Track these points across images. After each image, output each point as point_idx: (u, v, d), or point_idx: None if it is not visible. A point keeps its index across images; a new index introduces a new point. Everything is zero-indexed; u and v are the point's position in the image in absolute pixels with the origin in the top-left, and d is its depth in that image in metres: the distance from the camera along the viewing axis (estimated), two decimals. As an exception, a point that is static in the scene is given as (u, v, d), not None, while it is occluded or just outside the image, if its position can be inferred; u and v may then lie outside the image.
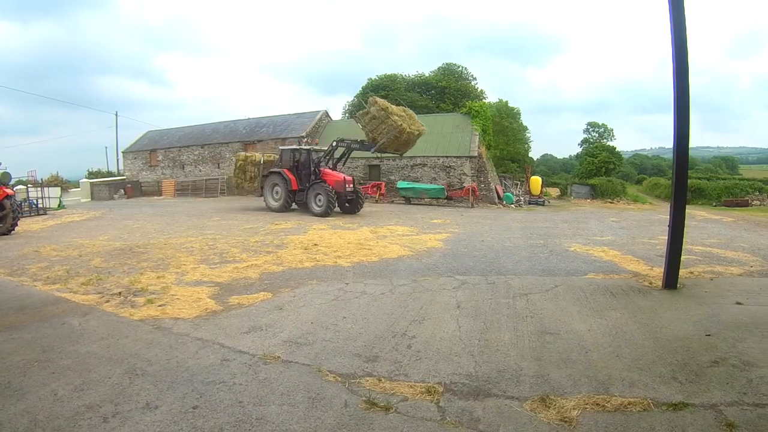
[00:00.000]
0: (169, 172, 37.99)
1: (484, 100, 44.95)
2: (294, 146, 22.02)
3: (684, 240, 8.02)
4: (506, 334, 5.64)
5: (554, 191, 41.26)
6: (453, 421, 3.70)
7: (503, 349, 5.17)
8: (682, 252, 8.05)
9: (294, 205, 21.00)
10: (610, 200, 35.06)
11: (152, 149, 39.58)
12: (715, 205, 33.21)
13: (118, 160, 47.71)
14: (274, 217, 18.85)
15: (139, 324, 5.98)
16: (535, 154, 69.23)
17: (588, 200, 35.66)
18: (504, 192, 30.07)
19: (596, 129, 74.71)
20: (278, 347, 5.14)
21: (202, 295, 7.26)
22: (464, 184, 27.36)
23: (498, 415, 3.79)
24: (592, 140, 70.93)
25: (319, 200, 19.36)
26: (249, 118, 38.81)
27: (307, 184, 20.27)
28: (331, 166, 21.75)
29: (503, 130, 45.79)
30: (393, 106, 21.29)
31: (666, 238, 7.94)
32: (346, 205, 20.48)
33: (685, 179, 7.86)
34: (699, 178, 43.00)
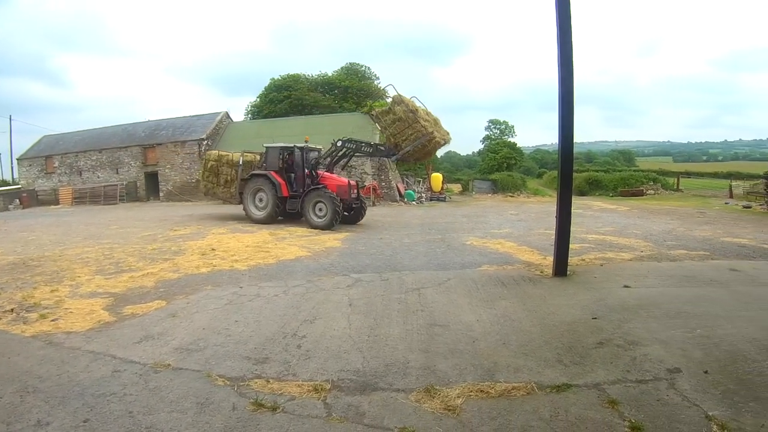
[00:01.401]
0: (67, 179, 35.76)
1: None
2: (283, 144, 18.20)
3: (579, 229, 8.50)
4: (396, 328, 5.82)
5: (457, 187, 42.34)
6: (339, 416, 3.83)
7: (392, 343, 5.34)
8: (576, 241, 8.46)
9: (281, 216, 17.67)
10: (510, 194, 36.54)
11: (48, 155, 37.18)
12: (612, 196, 35.31)
13: (12, 167, 44.73)
14: (173, 223, 18.02)
15: (32, 340, 5.81)
16: (439, 151, 70.43)
17: (489, 195, 36.99)
18: (405, 189, 30.77)
19: (497, 126, 77.24)
20: (169, 355, 5.14)
21: (96, 307, 7.08)
22: (365, 183, 27.68)
23: (383, 408, 3.94)
24: (493, 137, 73.47)
25: (320, 209, 16.18)
26: (149, 121, 37.31)
27: (302, 190, 16.97)
28: (328, 169, 18.56)
29: (406, 129, 46.51)
30: (420, 108, 18.47)
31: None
32: (346, 214, 17.18)
33: (570, 172, 8.32)
34: (597, 171, 45.85)
